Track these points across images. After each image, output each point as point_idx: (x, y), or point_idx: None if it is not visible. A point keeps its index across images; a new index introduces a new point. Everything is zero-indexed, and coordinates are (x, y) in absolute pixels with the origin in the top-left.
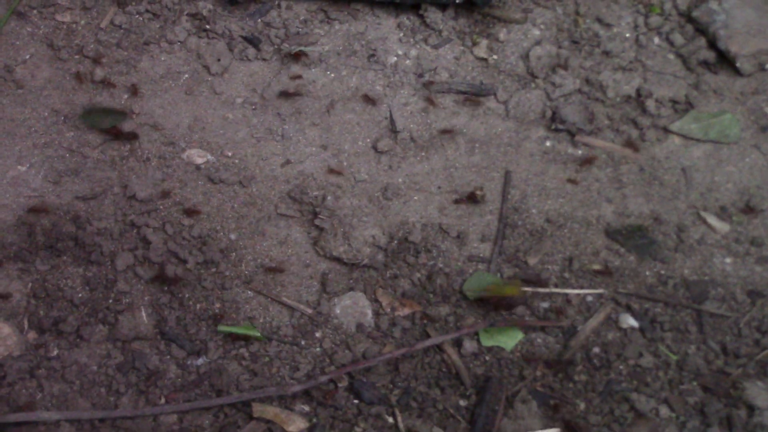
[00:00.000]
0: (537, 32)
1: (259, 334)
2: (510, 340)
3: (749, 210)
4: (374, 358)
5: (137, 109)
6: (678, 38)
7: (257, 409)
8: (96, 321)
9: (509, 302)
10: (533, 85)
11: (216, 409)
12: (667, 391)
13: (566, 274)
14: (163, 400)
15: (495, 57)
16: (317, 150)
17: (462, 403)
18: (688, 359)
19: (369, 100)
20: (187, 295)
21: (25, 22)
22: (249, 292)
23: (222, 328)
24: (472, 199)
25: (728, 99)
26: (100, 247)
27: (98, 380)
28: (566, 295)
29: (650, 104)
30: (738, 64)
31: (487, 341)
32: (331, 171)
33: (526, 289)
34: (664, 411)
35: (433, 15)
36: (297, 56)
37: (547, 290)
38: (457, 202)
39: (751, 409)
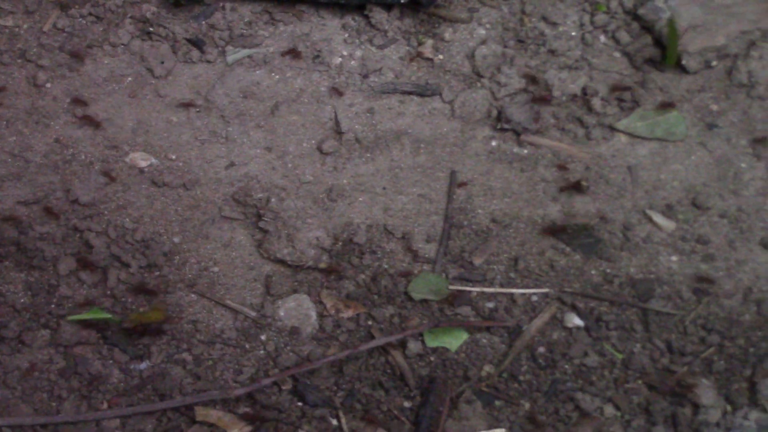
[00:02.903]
0: (483, 31)
1: (110, 316)
2: (455, 341)
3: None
4: (318, 360)
5: (80, 112)
6: (624, 36)
7: (200, 413)
8: (38, 326)
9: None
10: (479, 84)
11: (159, 413)
12: (612, 390)
13: (512, 274)
14: (105, 405)
15: (440, 57)
16: (262, 152)
17: (406, 404)
18: (634, 358)
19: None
20: (129, 300)
21: None
22: (193, 295)
23: (71, 318)
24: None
25: (674, 96)
26: (43, 251)
27: (40, 385)
28: (511, 294)
29: (596, 103)
30: (684, 62)
31: (431, 342)
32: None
33: (470, 289)
34: (608, 410)
35: (379, 15)
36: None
37: (492, 290)
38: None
39: (696, 407)
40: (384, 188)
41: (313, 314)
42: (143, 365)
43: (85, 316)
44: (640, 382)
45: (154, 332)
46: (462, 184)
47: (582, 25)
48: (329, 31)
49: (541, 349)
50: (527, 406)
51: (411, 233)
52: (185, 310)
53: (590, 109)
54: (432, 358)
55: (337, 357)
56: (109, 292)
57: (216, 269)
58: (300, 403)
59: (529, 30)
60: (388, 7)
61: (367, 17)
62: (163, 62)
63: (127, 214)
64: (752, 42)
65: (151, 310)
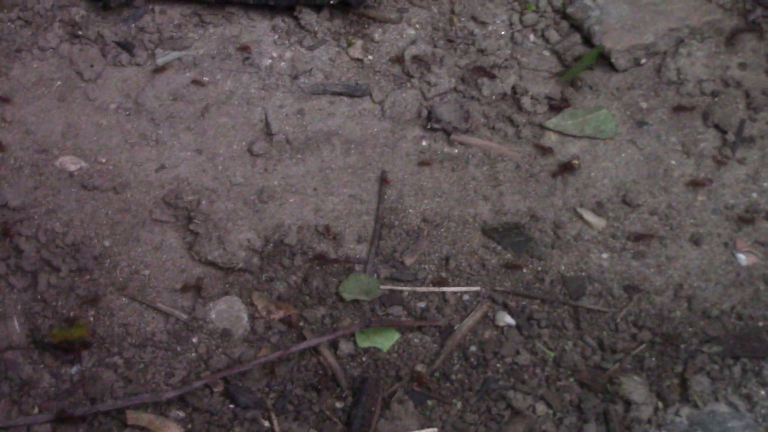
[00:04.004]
0: (412, 32)
1: None
2: (386, 341)
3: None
4: (249, 362)
5: (9, 116)
6: (553, 35)
7: (131, 416)
8: None
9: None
10: (409, 84)
11: (90, 417)
12: (544, 388)
13: (443, 273)
14: (36, 410)
15: (370, 57)
16: (192, 154)
17: (338, 405)
18: (565, 355)
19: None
20: (60, 303)
21: None
22: (123, 299)
23: None
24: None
25: (604, 95)
26: None
27: None
28: (443, 294)
29: (526, 101)
30: (613, 60)
31: (363, 342)
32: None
33: (401, 288)
34: (540, 408)
35: (308, 16)
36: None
37: (423, 289)
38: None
39: (627, 403)
40: (315, 189)
41: (245, 316)
42: (74, 369)
43: None
44: (571, 379)
45: (77, 349)
46: (385, 180)
47: (511, 24)
48: (259, 32)
49: (473, 348)
50: (459, 405)
51: (342, 234)
52: (116, 314)
53: (520, 108)
54: (364, 359)
55: (268, 358)
56: (39, 297)
57: (147, 272)
58: (231, 405)
59: (458, 29)
60: (318, 9)
61: (296, 18)
62: (92, 65)
63: (57, 218)
64: (681, 39)
65: (75, 327)
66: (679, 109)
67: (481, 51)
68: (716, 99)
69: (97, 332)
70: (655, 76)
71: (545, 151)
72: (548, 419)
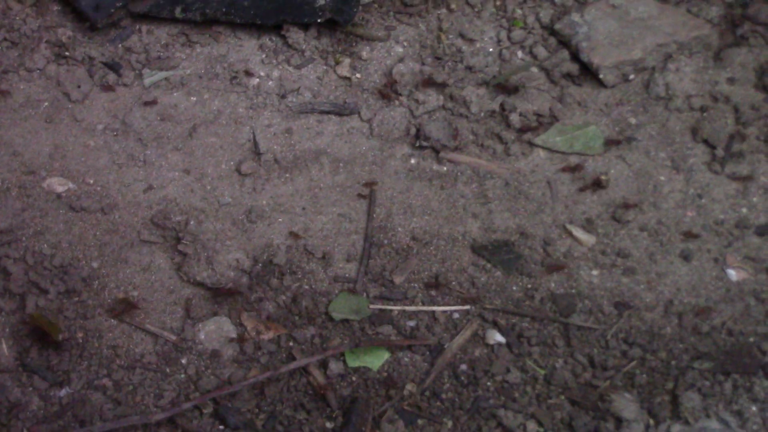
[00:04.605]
0: (400, 49)
1: None
2: (376, 360)
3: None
4: (239, 383)
5: None
6: (541, 51)
7: None
8: None
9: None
10: (397, 102)
11: None
12: (535, 406)
13: (433, 292)
14: None
15: (358, 75)
16: (180, 174)
17: (329, 425)
18: (556, 373)
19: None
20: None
21: None
22: (112, 321)
23: None
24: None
25: (592, 111)
26: None
27: None
28: (433, 312)
29: (514, 118)
30: (601, 76)
31: (353, 362)
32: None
33: (391, 307)
34: (531, 426)
35: (295, 35)
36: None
37: (413, 308)
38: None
39: (618, 421)
40: (303, 208)
41: (234, 336)
42: (63, 392)
43: None
44: (562, 397)
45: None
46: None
47: (499, 41)
48: (246, 52)
49: (463, 367)
50: (450, 424)
51: (331, 253)
52: (104, 336)
53: (508, 125)
54: (354, 378)
55: (258, 379)
56: (27, 319)
57: (135, 293)
58: (221, 427)
59: (446, 47)
60: (305, 27)
61: (284, 37)
62: (79, 86)
63: (44, 239)
64: (669, 55)
65: (50, 323)
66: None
67: (470, 68)
68: (705, 114)
69: (85, 354)
70: (644, 91)
71: (575, 169)
72: None
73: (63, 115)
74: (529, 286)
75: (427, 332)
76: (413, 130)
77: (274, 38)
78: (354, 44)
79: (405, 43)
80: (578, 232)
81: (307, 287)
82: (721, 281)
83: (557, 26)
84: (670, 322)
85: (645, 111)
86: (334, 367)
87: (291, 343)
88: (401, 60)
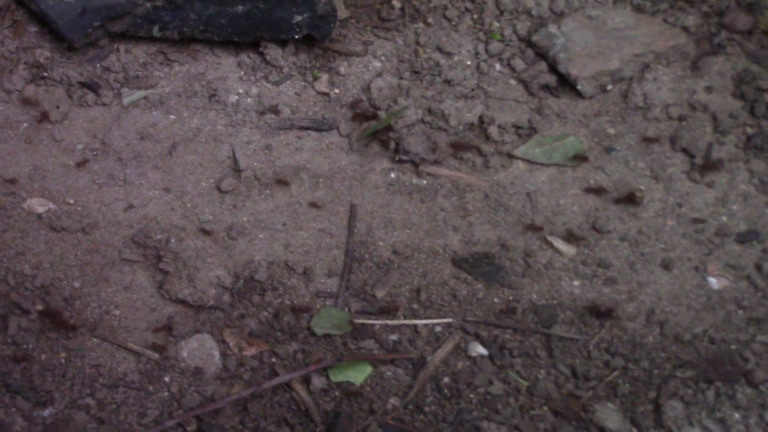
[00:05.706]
0: (378, 64)
1: None
2: (359, 375)
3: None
4: (222, 400)
5: None
6: (519, 63)
7: None
8: None
9: None
10: (375, 117)
11: None
12: (518, 417)
13: (414, 305)
14: None
15: (336, 91)
16: (160, 193)
17: None
18: (539, 384)
19: None
20: (31, 346)
21: None
22: (94, 340)
23: None
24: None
25: (571, 122)
26: None
27: None
28: (415, 326)
29: (493, 131)
30: (579, 87)
31: (336, 377)
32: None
33: (373, 322)
34: None
35: (273, 52)
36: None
37: (395, 322)
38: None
39: (602, 431)
40: (284, 224)
41: (216, 353)
42: (46, 412)
43: None
44: (545, 408)
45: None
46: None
47: (477, 54)
48: (224, 69)
49: (446, 380)
50: None
51: (312, 268)
52: (87, 355)
53: (487, 138)
54: (337, 393)
55: (241, 395)
56: (10, 340)
57: (117, 312)
58: None
59: (424, 61)
60: (283, 43)
61: (261, 54)
62: (58, 107)
63: (26, 260)
64: (646, 64)
65: None
66: (648, 140)
67: (448, 81)
68: (683, 123)
69: (68, 373)
70: (622, 101)
71: (630, 198)
72: None
73: (42, 136)
74: (511, 297)
75: (410, 346)
76: (392, 145)
77: (252, 55)
78: (332, 60)
79: (383, 58)
80: (559, 243)
81: (288, 303)
82: (702, 289)
83: (534, 38)
84: (651, 332)
85: (623, 121)
86: (317, 382)
87: (274, 359)
88: (379, 74)
